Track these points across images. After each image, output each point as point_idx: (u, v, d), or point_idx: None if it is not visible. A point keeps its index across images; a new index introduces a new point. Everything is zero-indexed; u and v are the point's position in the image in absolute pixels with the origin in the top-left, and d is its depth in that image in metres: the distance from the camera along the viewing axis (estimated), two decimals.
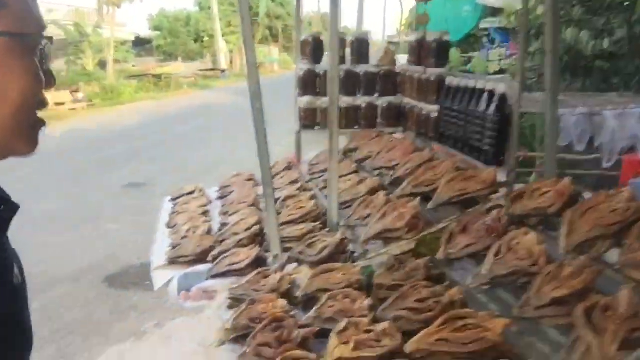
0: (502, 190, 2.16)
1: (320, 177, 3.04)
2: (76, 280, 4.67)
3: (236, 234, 2.41)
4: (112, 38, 23.20)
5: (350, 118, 3.42)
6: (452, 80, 2.82)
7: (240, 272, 2.04)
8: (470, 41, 11.31)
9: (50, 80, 0.80)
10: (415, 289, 1.68)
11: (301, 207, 2.52)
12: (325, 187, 2.86)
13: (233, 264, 2.06)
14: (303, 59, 3.36)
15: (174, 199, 3.28)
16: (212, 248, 2.32)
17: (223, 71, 32.38)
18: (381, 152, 2.90)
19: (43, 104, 0.81)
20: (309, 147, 3.91)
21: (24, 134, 0.79)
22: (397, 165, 2.69)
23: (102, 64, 23.58)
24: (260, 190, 3.21)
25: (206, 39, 36.39)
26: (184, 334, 3.95)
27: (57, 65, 23.03)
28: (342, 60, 3.31)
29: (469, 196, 2.09)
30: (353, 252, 2.06)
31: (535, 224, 1.99)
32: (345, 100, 3.36)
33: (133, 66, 28.37)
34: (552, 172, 2.26)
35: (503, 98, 2.37)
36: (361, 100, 3.43)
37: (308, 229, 2.26)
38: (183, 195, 3.26)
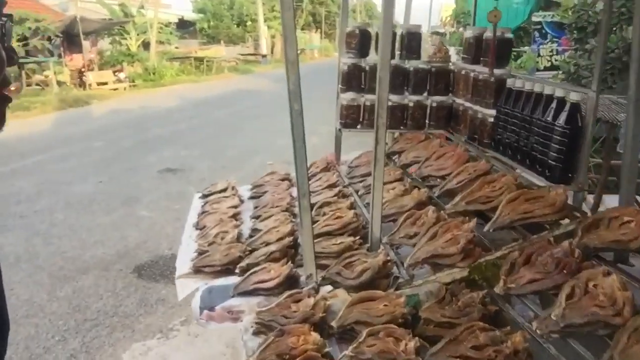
0: (571, 216, 1.88)
1: (360, 181, 2.81)
2: (106, 269, 4.59)
3: (267, 243, 2.21)
4: (156, 19, 23.36)
5: (396, 117, 3.16)
6: (514, 83, 2.53)
7: (270, 292, 1.84)
8: (520, 35, 10.81)
9: (12, 58, 0.80)
10: (471, 332, 1.44)
11: (339, 217, 2.29)
12: (366, 193, 2.64)
13: (262, 282, 1.86)
14: (348, 52, 3.11)
15: (204, 196, 3.11)
16: (240, 258, 2.13)
17: (264, 56, 32.32)
18: (430, 158, 2.64)
19: (5, 82, 0.81)
20: (349, 146, 3.68)
21: None
22: (448, 175, 2.43)
23: (146, 45, 23.79)
24: (295, 191, 3.01)
25: (249, 23, 36.36)
26: (211, 333, 3.80)
27: (102, 45, 23.39)
28: (392, 55, 3.04)
29: (534, 221, 1.82)
30: (397, 277, 1.83)
31: (612, 260, 1.72)
32: (392, 98, 3.10)
33: (176, 48, 28.56)
34: (631, 196, 1.97)
35: (575, 107, 2.08)
36: (409, 99, 3.17)
37: (346, 245, 2.04)
38: (214, 193, 3.08)
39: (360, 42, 3.10)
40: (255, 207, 2.77)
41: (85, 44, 19.84)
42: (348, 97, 3.15)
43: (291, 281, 1.88)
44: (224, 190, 3.08)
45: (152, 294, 4.19)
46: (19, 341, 3.48)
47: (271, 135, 10.47)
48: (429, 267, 1.84)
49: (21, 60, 17.40)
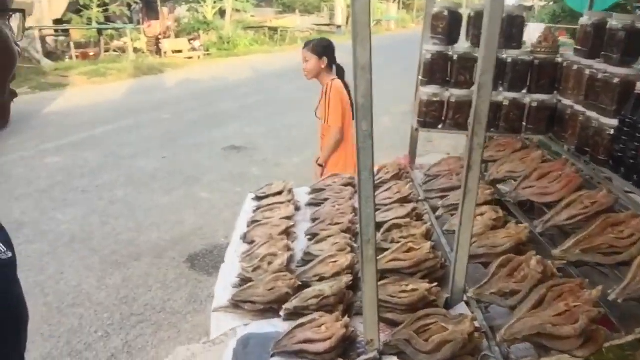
0: None
1: (439, 196, 2.34)
2: (159, 256, 4.39)
3: (321, 278, 1.82)
4: None
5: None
6: None
7: (319, 357, 1.44)
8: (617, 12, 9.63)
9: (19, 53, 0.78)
10: None
11: (411, 250, 1.85)
12: (447, 212, 2.18)
13: (310, 342, 1.47)
14: (433, 38, 2.61)
15: (258, 198, 2.75)
16: (287, 295, 1.75)
17: (339, 27, 31.62)
18: (529, 176, 2.13)
19: (14, 77, 0.80)
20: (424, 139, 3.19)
21: None
22: (554, 203, 1.92)
23: (222, 13, 23.75)
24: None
25: None
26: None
27: (180, 12, 23.58)
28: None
29: None
30: (486, 356, 1.38)
31: None
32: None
33: (251, 16, 28.41)
34: None
35: None
36: (504, 96, 2.64)
37: (420, 295, 1.60)
38: (268, 196, 2.71)
39: (449, 25, 2.58)
40: (313, 221, 2.38)
41: (163, 11, 20.01)
42: (429, 91, 2.66)
43: (346, 344, 1.47)
44: (280, 193, 2.71)
45: (203, 289, 3.94)
46: (61, 334, 3.32)
47: None
48: (530, 344, 1.38)
49: (100, 27, 17.80)
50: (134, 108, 10.25)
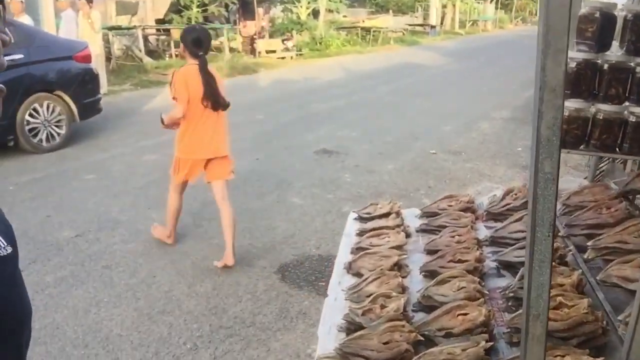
0: None
1: (585, 233, 1.95)
2: (249, 264, 4.26)
3: (448, 334, 1.51)
4: None
5: (613, 134, 2.21)
6: None
7: None
8: None
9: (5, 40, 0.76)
10: None
11: (562, 305, 1.50)
12: (604, 256, 1.79)
13: None
14: (579, 44, 2.20)
15: (361, 219, 2.49)
16: (408, 354, 1.46)
17: (433, 27, 30.77)
18: None
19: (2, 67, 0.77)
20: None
21: None
22: None
23: (316, 13, 23.83)
24: (482, 231, 2.25)
25: None
26: None
27: (275, 12, 23.95)
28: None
29: None
30: None
31: None
32: (634, 111, 2.16)
33: (344, 17, 28.30)
34: None
35: None
36: (631, 111, 2.18)
37: None
38: (374, 218, 2.44)
39: (601, 29, 2.16)
40: (428, 253, 2.07)
41: (259, 11, 20.35)
42: (572, 105, 2.25)
43: None
44: (387, 215, 2.42)
45: (294, 304, 3.74)
46: (150, 343, 3.24)
47: (435, 119, 9.58)
48: None
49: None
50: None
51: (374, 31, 25.20)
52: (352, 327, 1.67)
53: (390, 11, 32.39)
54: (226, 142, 4.31)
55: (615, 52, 2.21)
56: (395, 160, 7.12)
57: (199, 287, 3.90)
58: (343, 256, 2.20)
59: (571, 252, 1.87)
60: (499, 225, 2.19)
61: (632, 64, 2.15)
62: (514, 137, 8.40)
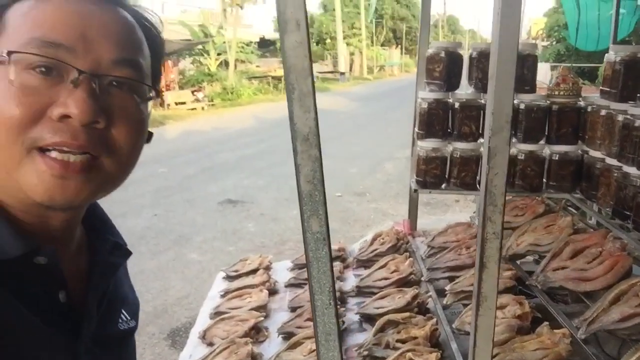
0: None
1: (446, 276, 1.88)
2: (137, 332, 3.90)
3: None
4: (235, 39, 23.42)
5: None
6: None
7: None
8: None
9: None
10: None
11: None
12: (461, 300, 1.71)
13: None
14: (430, 84, 2.21)
15: (229, 278, 2.31)
16: None
17: (342, 74, 31.81)
18: (559, 253, 1.66)
19: None
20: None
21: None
22: (595, 292, 1.46)
23: (227, 64, 23.92)
24: (350, 279, 2.14)
25: (328, 41, 36.12)
26: None
27: (184, 64, 23.77)
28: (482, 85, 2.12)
29: None
30: None
31: None
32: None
33: (257, 67, 28.62)
34: None
35: None
36: (519, 149, 2.21)
37: None
38: (241, 275, 2.26)
39: (448, 68, 2.18)
40: (292, 312, 1.92)
41: (167, 63, 20.10)
42: (428, 145, 2.24)
43: None
44: (254, 271, 2.26)
45: None
46: None
47: (342, 162, 9.66)
48: None
49: None
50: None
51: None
52: None
53: None
54: None
55: (465, 91, 2.23)
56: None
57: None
58: (200, 323, 2.00)
59: (430, 297, 1.78)
60: (366, 272, 2.09)
61: (482, 101, 2.18)
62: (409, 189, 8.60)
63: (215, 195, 7.58)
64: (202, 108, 19.28)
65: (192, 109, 18.82)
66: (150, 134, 0.79)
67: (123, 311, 0.85)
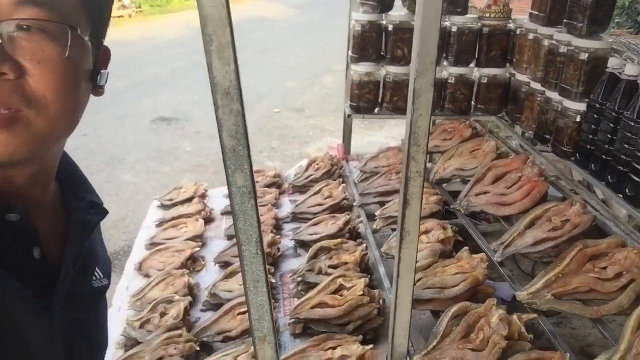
0: None
1: (377, 202, 1.94)
2: None
3: (227, 338, 1.41)
4: None
5: None
6: (622, 67, 1.60)
7: None
8: None
9: None
10: None
11: (342, 289, 1.46)
12: (390, 225, 1.79)
13: None
14: (363, 5, 2.14)
15: (164, 207, 2.29)
16: None
17: None
18: (482, 179, 1.75)
19: None
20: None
21: None
22: (513, 216, 1.56)
23: None
24: (287, 205, 2.18)
25: None
26: None
27: None
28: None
29: None
30: None
31: None
32: None
33: None
34: None
35: None
36: (449, 73, 2.23)
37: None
38: (177, 204, 2.25)
39: None
40: (228, 240, 1.95)
41: None
42: (362, 70, 2.22)
43: None
44: (190, 200, 2.24)
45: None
46: None
47: (280, 75, 9.46)
48: None
49: None
50: None
51: None
52: (129, 343, 1.49)
53: None
54: None
55: (398, 12, 2.18)
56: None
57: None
58: (137, 254, 2.00)
59: (362, 222, 1.85)
60: (301, 199, 2.13)
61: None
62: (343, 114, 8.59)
63: (148, 113, 7.30)
64: (130, 16, 17.99)
65: (119, 17, 17.51)
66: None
67: (97, 269, 0.85)
